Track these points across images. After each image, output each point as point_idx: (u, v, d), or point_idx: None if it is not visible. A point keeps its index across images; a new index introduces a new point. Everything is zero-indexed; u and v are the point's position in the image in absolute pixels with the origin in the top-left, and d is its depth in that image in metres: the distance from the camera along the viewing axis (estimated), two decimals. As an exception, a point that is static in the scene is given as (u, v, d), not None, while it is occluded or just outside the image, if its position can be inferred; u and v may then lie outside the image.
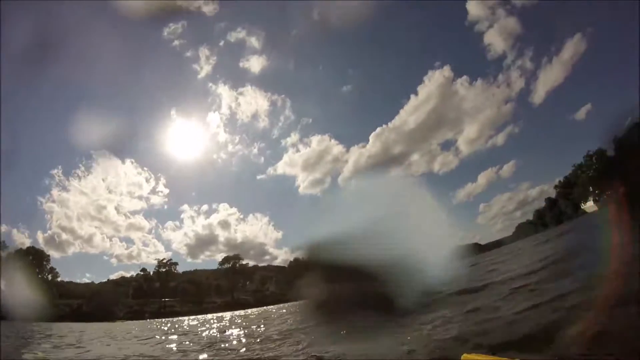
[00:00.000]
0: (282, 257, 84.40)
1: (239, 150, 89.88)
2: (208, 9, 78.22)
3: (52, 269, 63.14)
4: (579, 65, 61.27)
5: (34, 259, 59.77)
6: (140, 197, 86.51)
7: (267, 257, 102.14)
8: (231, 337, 12.49)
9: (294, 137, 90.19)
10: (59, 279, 63.76)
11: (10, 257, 55.46)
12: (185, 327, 23.86)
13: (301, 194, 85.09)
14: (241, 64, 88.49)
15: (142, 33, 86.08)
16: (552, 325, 5.07)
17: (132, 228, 79.59)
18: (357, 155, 78.37)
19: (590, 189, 61.86)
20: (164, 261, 69.61)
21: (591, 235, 18.13)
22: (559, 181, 62.14)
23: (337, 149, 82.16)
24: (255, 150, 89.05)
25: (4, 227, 61.66)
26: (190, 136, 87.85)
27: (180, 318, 49.12)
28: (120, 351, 10.99)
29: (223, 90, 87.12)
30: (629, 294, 5.34)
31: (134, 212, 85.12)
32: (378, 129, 79.07)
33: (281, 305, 52.60)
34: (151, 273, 72.00)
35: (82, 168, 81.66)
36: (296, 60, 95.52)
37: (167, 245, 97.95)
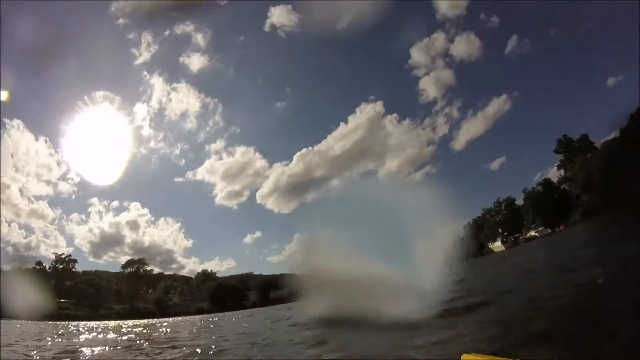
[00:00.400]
0: (189, 267, 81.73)
1: (161, 149, 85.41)
2: (161, -7, 75.26)
3: None
4: (500, 122, 69.06)
5: None
6: (48, 182, 76.80)
7: (174, 265, 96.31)
8: None
9: (219, 144, 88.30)
10: None
11: None
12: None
13: (217, 204, 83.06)
14: (181, 59, 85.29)
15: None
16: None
17: (34, 215, 71.75)
18: (279, 172, 78.56)
19: (500, 230, 68.40)
20: (63, 257, 63.69)
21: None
22: (468, 222, 67.11)
23: (260, 163, 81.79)
24: (177, 151, 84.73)
25: None
26: (113, 123, 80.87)
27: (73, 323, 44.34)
28: None
29: (157, 82, 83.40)
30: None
31: (39, 198, 75.96)
32: (304, 150, 79.71)
33: (189, 317, 49.92)
34: (47, 268, 65.57)
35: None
36: (237, 66, 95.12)
37: (70, 240, 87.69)
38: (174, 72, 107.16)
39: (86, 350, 10.13)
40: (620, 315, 4.78)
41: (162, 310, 60.14)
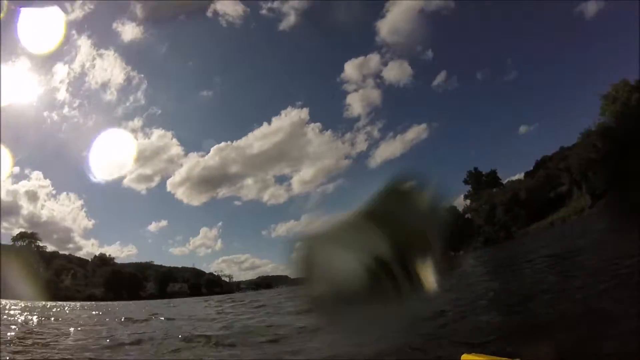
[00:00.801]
0: (87, 249, 76.37)
1: (74, 117, 77.60)
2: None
3: None
4: (416, 148, 73.02)
5: None
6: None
7: (71, 245, 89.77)
8: None
9: (136, 122, 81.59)
10: None
11: None
12: None
13: (124, 186, 76.92)
14: (114, 25, 78.88)
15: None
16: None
17: None
18: (194, 163, 74.96)
19: None
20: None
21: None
22: None
23: (176, 150, 76.28)
24: (90, 123, 78.55)
25: None
26: (27, 80, 72.18)
27: None
28: None
29: (84, 44, 76.18)
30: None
31: None
32: (222, 143, 75.89)
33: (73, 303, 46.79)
34: None
35: None
36: (171, 45, 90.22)
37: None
38: (104, 37, 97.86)
39: None
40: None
41: (50, 292, 55.98)
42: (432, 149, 74.98)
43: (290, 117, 76.02)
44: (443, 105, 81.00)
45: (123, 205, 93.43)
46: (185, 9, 79.38)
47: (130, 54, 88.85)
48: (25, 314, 20.12)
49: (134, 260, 70.39)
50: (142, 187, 79.07)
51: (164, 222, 77.42)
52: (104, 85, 76.77)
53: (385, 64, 72.55)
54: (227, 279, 69.20)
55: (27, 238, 59.11)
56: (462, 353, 2.89)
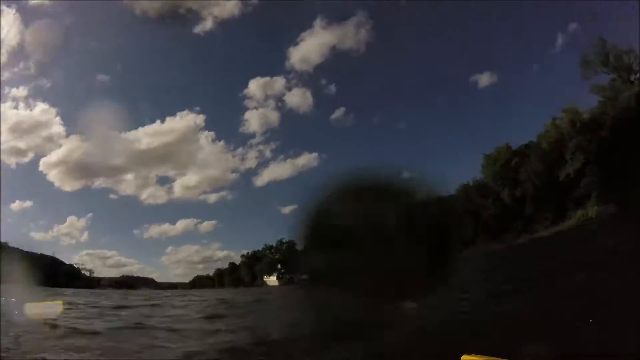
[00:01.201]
0: None
1: None
2: None
3: None
4: (304, 174, 71.42)
5: None
6: None
7: None
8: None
9: (21, 91, 74.80)
10: None
11: None
12: None
13: None
14: None
15: None
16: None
17: None
18: (75, 146, 68.42)
19: (279, 267, 78.31)
20: None
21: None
22: (247, 252, 74.65)
23: (57, 128, 69.06)
24: None
25: None
26: None
27: None
28: None
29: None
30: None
31: None
32: (109, 131, 71.11)
33: None
34: None
35: None
36: (77, 20, 76.50)
37: None
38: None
39: None
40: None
41: None
42: (319, 177, 73.05)
43: (185, 120, 73.31)
44: (336, 139, 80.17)
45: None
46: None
47: (32, 17, 78.47)
48: None
49: (-14, 238, 62.14)
50: (12, 161, 69.12)
51: (29, 203, 69.40)
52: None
53: (289, 89, 72.03)
54: (87, 273, 66.84)
55: None
56: (462, 353, 2.99)
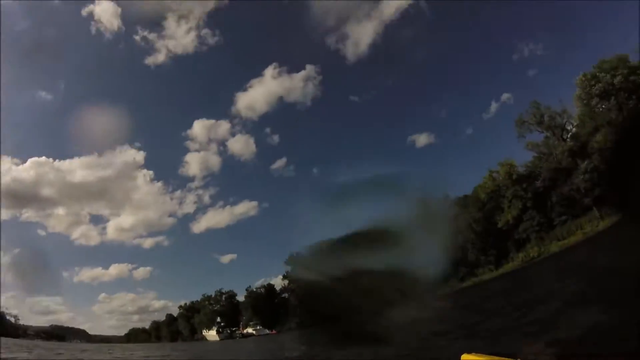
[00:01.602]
0: None
1: None
2: None
3: None
4: (242, 223, 75.02)
5: None
6: None
7: None
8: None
9: None
10: None
11: None
12: None
13: None
14: None
15: None
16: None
17: None
18: (5, 168, 65.71)
19: (218, 319, 69.38)
20: None
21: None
22: (185, 303, 70.44)
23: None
24: None
25: None
26: None
27: None
28: None
29: None
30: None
31: None
32: (43, 158, 68.39)
33: None
34: None
35: None
36: (32, 27, 78.16)
37: None
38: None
39: None
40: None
41: None
42: (258, 226, 76.93)
43: (124, 155, 71.54)
44: (278, 189, 79.86)
45: None
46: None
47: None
48: None
49: None
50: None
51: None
52: None
53: (233, 134, 74.24)
54: (12, 320, 60.42)
55: None
56: (462, 353, 3.05)
